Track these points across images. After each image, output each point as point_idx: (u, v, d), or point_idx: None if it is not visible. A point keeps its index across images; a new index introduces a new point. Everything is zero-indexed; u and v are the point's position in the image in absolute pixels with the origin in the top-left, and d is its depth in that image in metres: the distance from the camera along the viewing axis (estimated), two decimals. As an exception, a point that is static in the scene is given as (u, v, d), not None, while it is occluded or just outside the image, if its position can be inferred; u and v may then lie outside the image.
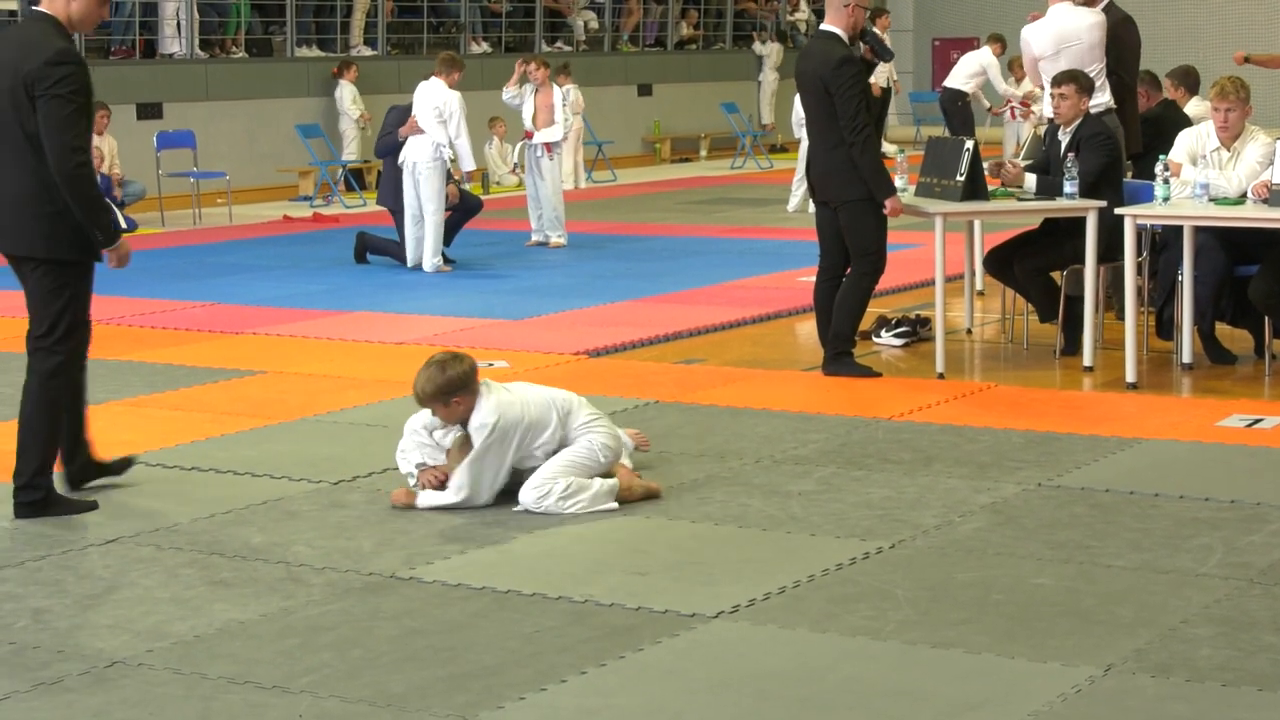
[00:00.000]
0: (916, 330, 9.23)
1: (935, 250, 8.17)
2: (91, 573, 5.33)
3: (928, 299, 9.47)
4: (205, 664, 4.49)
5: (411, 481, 5.95)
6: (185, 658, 4.53)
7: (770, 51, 24.83)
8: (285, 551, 5.49)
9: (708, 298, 10.93)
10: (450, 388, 5.78)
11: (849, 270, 8.20)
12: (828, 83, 7.94)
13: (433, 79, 12.60)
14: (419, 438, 5.97)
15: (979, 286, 10.00)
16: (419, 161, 12.46)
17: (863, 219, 8.08)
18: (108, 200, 5.72)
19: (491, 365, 8.61)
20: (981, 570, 5.16)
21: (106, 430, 7.39)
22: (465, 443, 5.88)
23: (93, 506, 5.86)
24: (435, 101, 12.44)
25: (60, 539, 5.71)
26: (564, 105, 13.81)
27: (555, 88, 14.00)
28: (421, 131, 12.39)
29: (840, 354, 8.20)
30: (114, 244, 5.69)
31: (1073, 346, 8.61)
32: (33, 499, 5.78)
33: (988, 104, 19.65)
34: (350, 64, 19.33)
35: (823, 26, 8.24)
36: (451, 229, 12.90)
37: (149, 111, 17.69)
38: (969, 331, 9.52)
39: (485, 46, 21.74)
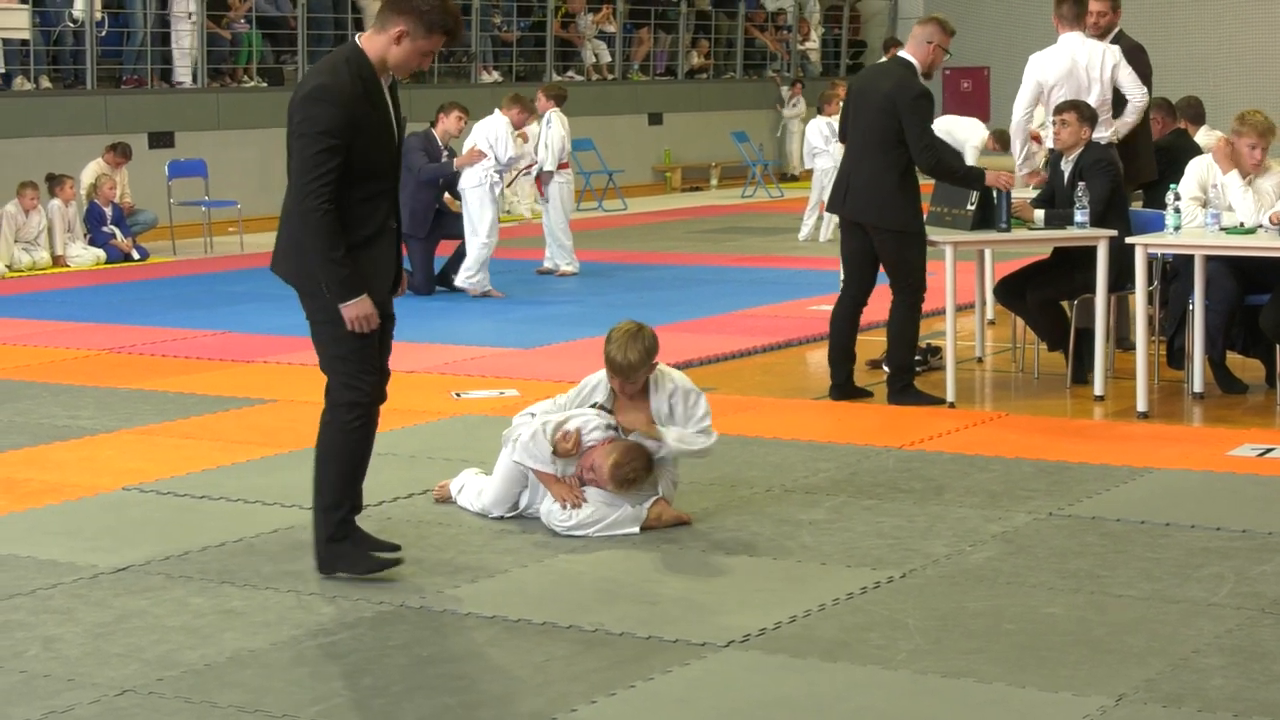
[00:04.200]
0: (927, 359, 9.17)
1: (946, 279, 8.15)
2: (102, 601, 5.32)
3: (939, 328, 9.47)
4: (216, 693, 4.47)
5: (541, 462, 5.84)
6: (196, 686, 4.52)
7: (798, 103, 24.67)
8: (296, 580, 5.47)
9: (718, 326, 10.90)
10: (655, 347, 5.81)
11: (891, 300, 8.14)
12: (902, 109, 7.89)
13: (496, 113, 12.96)
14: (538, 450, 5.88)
15: (990, 315, 9.98)
16: (467, 187, 12.68)
17: (907, 249, 8.04)
18: (334, 256, 5.23)
19: (502, 394, 8.59)
20: (992, 599, 5.13)
21: (118, 458, 7.43)
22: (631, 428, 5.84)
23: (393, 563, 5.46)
24: (486, 131, 12.77)
25: (71, 567, 5.70)
26: (547, 128, 13.77)
27: (547, 114, 14.02)
28: (480, 158, 12.54)
29: (905, 387, 8.17)
30: (347, 300, 5.21)
31: (1082, 375, 8.54)
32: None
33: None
34: (361, 93, 19.36)
35: (900, 53, 8.21)
36: (460, 257, 12.88)
37: (160, 140, 17.76)
38: (980, 360, 9.50)
39: (496, 76, 21.80)
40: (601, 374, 5.92)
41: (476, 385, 8.95)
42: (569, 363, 9.45)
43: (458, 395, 8.67)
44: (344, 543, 5.35)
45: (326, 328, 5.33)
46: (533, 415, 6.00)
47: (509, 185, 16.18)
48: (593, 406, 5.94)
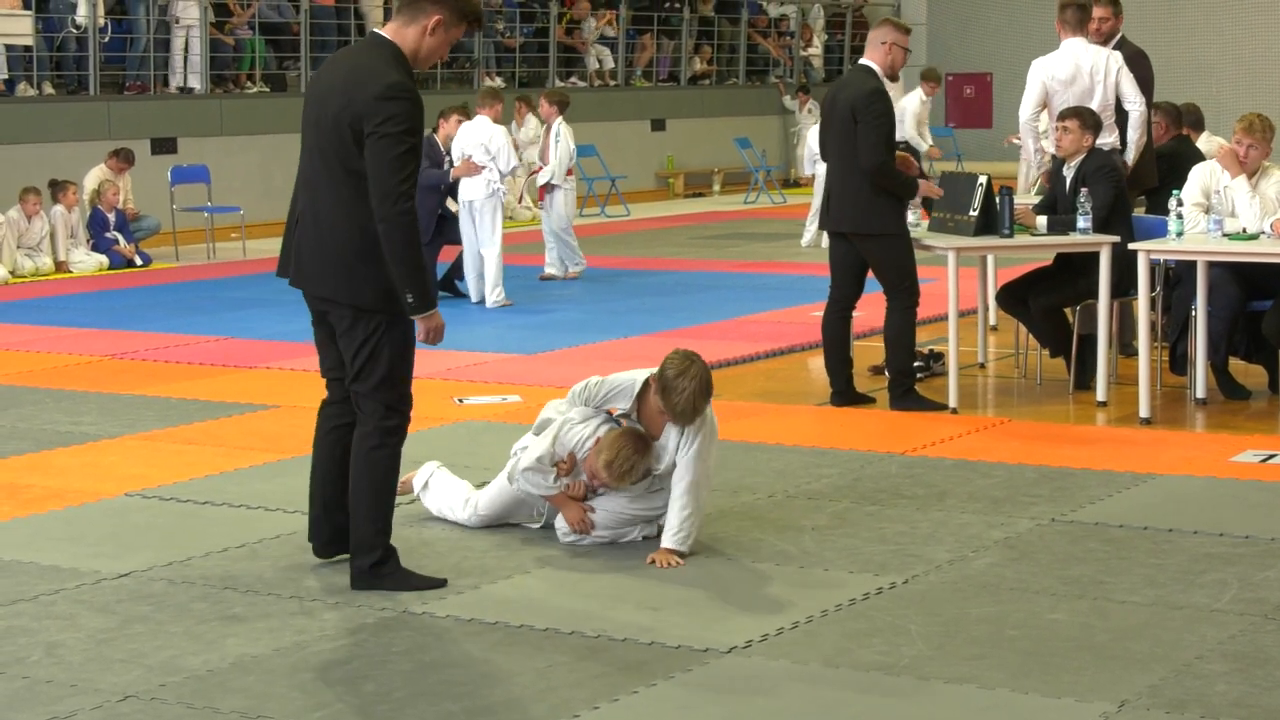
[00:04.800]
0: (929, 365, 9.12)
1: (948, 285, 8.13)
2: (105, 607, 5.29)
3: (941, 334, 9.38)
4: (218, 698, 4.45)
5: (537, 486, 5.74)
6: (198, 692, 4.49)
7: (805, 108, 24.59)
8: (298, 586, 5.44)
9: (720, 332, 10.81)
10: (711, 390, 5.60)
11: (886, 305, 8.13)
12: (857, 111, 7.94)
13: (477, 116, 12.66)
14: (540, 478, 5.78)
15: (992, 321, 9.93)
16: (474, 200, 12.49)
17: (891, 251, 8.04)
18: (423, 263, 5.06)
19: (505, 400, 8.55)
20: (995, 605, 5.10)
21: (120, 464, 7.40)
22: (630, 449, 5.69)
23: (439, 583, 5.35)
24: (481, 139, 12.49)
25: (74, 573, 5.69)
26: (556, 142, 13.75)
27: (554, 124, 14.01)
28: (477, 171, 12.35)
29: (907, 391, 8.13)
30: (426, 311, 5.05)
31: (1085, 381, 8.52)
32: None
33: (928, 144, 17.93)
34: (364, 99, 19.35)
35: (861, 61, 8.26)
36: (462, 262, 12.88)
37: (163, 146, 17.77)
38: (982, 366, 9.45)
39: (499, 81, 21.81)
40: (631, 383, 5.70)
41: (479, 391, 8.91)
42: (572, 369, 9.39)
43: (460, 401, 8.62)
44: (389, 563, 5.33)
45: (388, 348, 5.16)
46: (543, 426, 5.91)
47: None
48: (605, 411, 5.83)
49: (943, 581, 5.40)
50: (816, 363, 9.37)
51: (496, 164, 12.46)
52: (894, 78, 8.16)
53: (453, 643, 4.87)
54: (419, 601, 5.26)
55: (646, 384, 5.61)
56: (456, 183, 12.65)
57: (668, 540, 5.54)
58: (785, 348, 10.22)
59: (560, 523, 5.76)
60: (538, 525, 5.97)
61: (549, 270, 14.06)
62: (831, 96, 8.29)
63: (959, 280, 8.14)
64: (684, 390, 5.44)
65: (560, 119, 13.78)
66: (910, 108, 16.87)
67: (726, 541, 5.91)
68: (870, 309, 8.63)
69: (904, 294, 8.12)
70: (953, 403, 8.20)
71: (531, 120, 19.08)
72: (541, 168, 14.04)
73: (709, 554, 5.76)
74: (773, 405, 8.48)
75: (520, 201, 19.38)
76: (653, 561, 5.58)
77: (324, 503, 5.43)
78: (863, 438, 7.60)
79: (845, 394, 8.35)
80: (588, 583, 5.48)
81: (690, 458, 5.60)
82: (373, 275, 5.11)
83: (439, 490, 6.20)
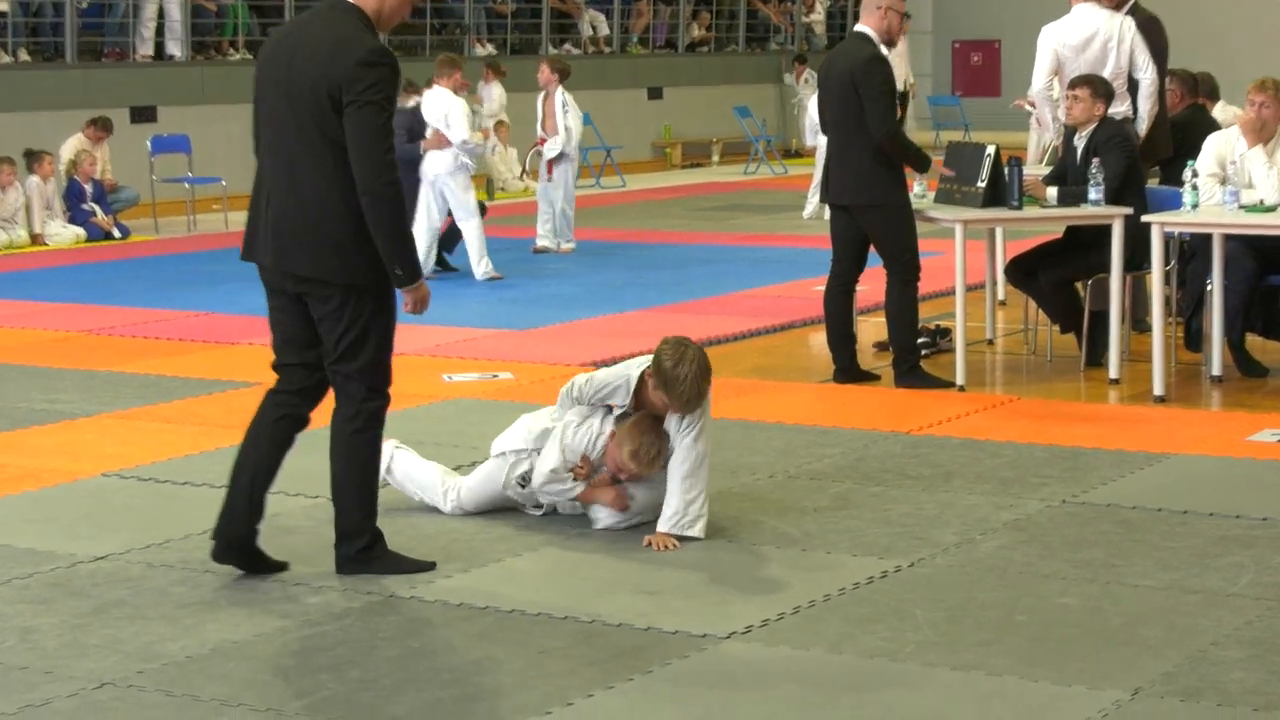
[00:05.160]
0: (936, 341, 9.07)
1: (955, 258, 8.03)
2: (81, 590, 5.19)
3: (948, 309, 9.33)
4: (198, 686, 4.36)
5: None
6: (177, 679, 4.41)
7: (802, 78, 24.31)
8: (280, 569, 5.37)
9: (719, 307, 10.73)
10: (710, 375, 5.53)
11: (886, 280, 8.03)
12: (858, 81, 7.83)
13: (435, 86, 12.40)
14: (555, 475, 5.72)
15: (1000, 296, 9.87)
16: (440, 173, 12.29)
17: (891, 222, 7.96)
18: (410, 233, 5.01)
19: (495, 377, 8.46)
20: (1004, 590, 5.04)
21: (97, 443, 7.30)
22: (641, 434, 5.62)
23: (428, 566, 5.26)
24: (441, 109, 12.24)
25: (49, 556, 5.57)
26: (564, 111, 13.56)
27: (558, 93, 13.80)
28: (447, 144, 12.16)
29: (911, 367, 8.06)
30: (415, 283, 4.97)
31: (1096, 358, 8.41)
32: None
33: None
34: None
35: (856, 28, 8.16)
36: (453, 237, 12.66)
37: (143, 115, 17.56)
38: (990, 342, 9.38)
39: (490, 48, 21.62)
40: (626, 379, 5.63)
41: (468, 368, 8.81)
42: (565, 345, 9.31)
43: (449, 378, 8.53)
44: (376, 547, 5.23)
45: (378, 329, 5.07)
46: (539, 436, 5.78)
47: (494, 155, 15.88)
48: (605, 405, 5.75)
49: (949, 565, 5.33)
50: (818, 339, 9.26)
51: (450, 135, 12.14)
52: (891, 44, 8.03)
53: (442, 628, 4.79)
54: (407, 586, 5.17)
55: (642, 378, 5.57)
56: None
57: (666, 524, 5.50)
58: (786, 323, 10.16)
59: (596, 511, 5.70)
60: (539, 513, 5.90)
61: (541, 243, 13.92)
62: (827, 66, 8.20)
63: (966, 253, 8.04)
64: (685, 378, 5.40)
65: (561, 87, 13.57)
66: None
67: (726, 524, 5.83)
68: (875, 284, 8.55)
69: (904, 267, 8.03)
70: (960, 380, 8.13)
71: (496, 89, 18.83)
72: (545, 139, 13.80)
73: (708, 537, 5.68)
74: (773, 382, 8.44)
75: (520, 176, 19.18)
76: (649, 544, 5.53)
77: (250, 500, 5.19)
78: (866, 416, 7.55)
79: (848, 371, 8.28)
80: (582, 567, 5.40)
81: (690, 440, 5.55)
82: (365, 252, 4.99)
83: (410, 472, 6.06)
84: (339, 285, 5.01)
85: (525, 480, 5.78)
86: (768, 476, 6.52)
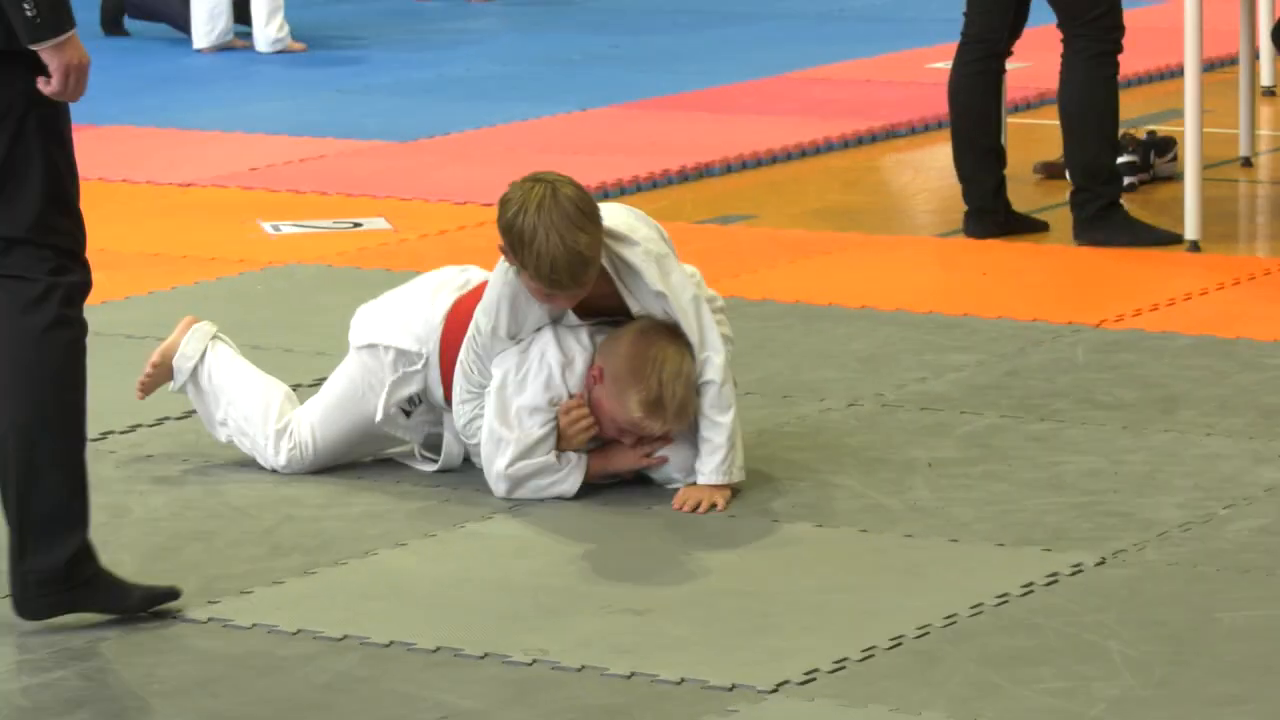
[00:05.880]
0: (1150, 161, 7.33)
1: (1185, 15, 6.50)
2: None
3: (1172, 105, 7.48)
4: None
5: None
6: None
7: None
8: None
9: (758, 100, 8.28)
10: (596, 214, 4.21)
11: (1064, 53, 6.53)
12: None
13: None
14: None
15: (1265, 80, 8.22)
16: None
17: None
18: None
19: (359, 225, 6.75)
20: (1265, 606, 3.86)
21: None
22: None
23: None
24: None
25: None
26: None
27: None
28: None
29: (1105, 208, 6.52)
30: (58, 35, 3.59)
31: None
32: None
33: None
34: None
35: None
36: None
37: None
38: (1247, 163, 7.59)
39: None
40: (494, 287, 4.36)
41: (307, 210, 6.82)
42: (480, 170, 7.32)
43: (275, 229, 6.77)
44: (91, 557, 3.72)
45: (57, 133, 3.64)
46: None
47: None
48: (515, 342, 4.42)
49: (1169, 562, 4.08)
50: (940, 156, 7.57)
51: None
52: None
53: (265, 674, 3.53)
54: (202, 597, 3.80)
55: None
56: None
57: (714, 473, 4.27)
58: (880, 129, 8.16)
59: (666, 471, 4.47)
60: (434, 468, 4.56)
61: None
62: None
63: (1204, 6, 6.54)
64: (531, 231, 4.14)
65: None
66: None
67: (773, 488, 4.47)
68: (1035, 58, 6.96)
69: (1100, 30, 6.37)
70: (1191, 232, 6.49)
71: None
72: None
73: (740, 511, 4.35)
74: (855, 235, 6.75)
75: None
76: (681, 506, 4.32)
77: None
78: (1023, 295, 5.97)
79: (991, 213, 6.63)
80: (515, 565, 4.07)
81: (693, 320, 4.30)
82: None
83: (227, 389, 4.55)
84: None
85: (414, 404, 4.47)
86: (846, 405, 5.07)
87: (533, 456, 4.35)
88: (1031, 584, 3.93)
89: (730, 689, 3.40)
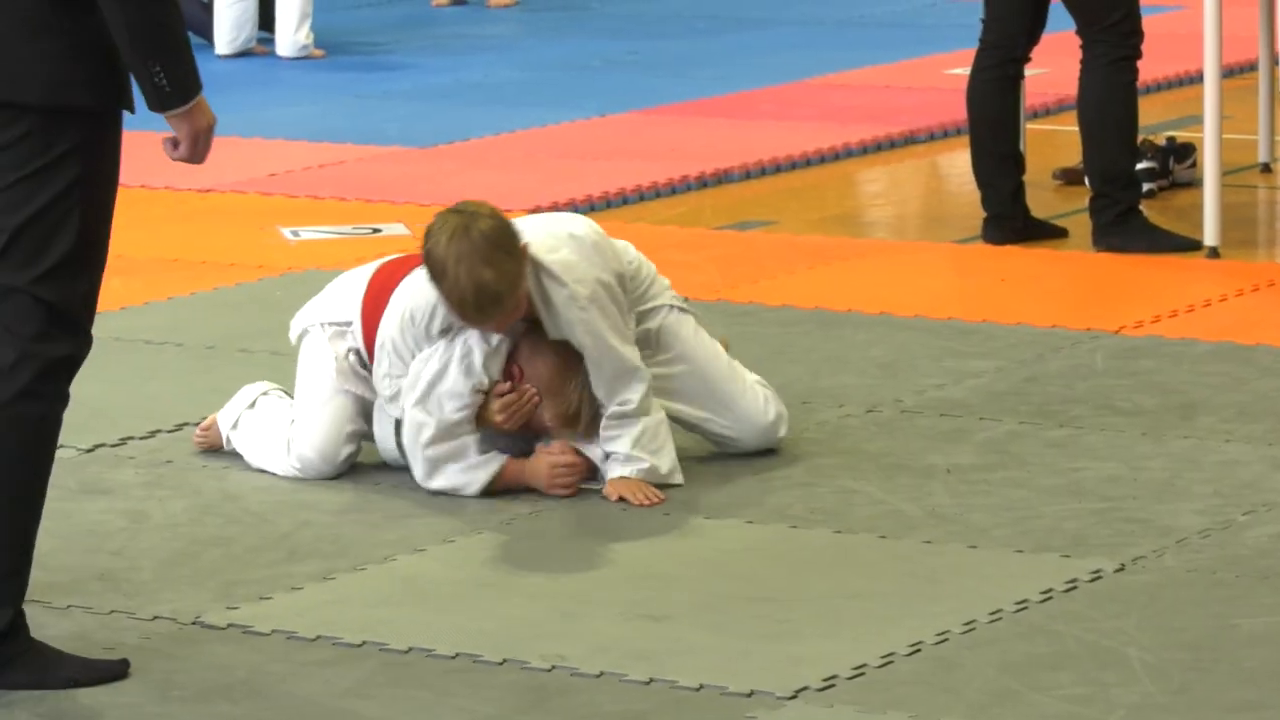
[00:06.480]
0: (1169, 167, 7.37)
1: (1204, 21, 6.49)
2: None
3: (1192, 111, 7.67)
4: None
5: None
6: None
7: None
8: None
9: (777, 106, 8.40)
10: (513, 239, 4.20)
11: (1083, 59, 6.57)
12: None
13: None
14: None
15: None
16: None
17: None
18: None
19: (379, 231, 6.83)
20: None
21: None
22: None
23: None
24: None
25: None
26: None
27: None
28: None
29: (1123, 214, 6.53)
30: (188, 102, 3.47)
31: None
32: None
33: None
34: None
35: None
36: None
37: None
38: (1266, 169, 7.67)
39: None
40: (418, 299, 4.41)
41: (328, 215, 6.94)
42: (502, 175, 7.44)
43: (294, 235, 6.81)
44: (22, 634, 3.47)
45: (100, 201, 3.48)
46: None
47: None
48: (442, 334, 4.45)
49: (1190, 569, 4.08)
50: (959, 162, 7.62)
51: None
52: None
53: (287, 681, 3.51)
54: (220, 603, 3.80)
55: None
56: None
57: (624, 464, 4.38)
58: (899, 135, 8.24)
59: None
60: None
61: None
62: None
63: (1224, 11, 6.51)
64: (442, 261, 4.15)
65: None
66: None
67: (791, 493, 4.49)
68: (1054, 63, 6.94)
69: (1118, 37, 6.40)
70: (1210, 238, 6.51)
71: None
72: None
73: (756, 517, 4.37)
74: (874, 242, 6.84)
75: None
76: (619, 498, 4.40)
77: None
78: (1042, 302, 6.01)
79: (1010, 220, 6.66)
80: (528, 570, 4.08)
81: (589, 340, 4.35)
82: (53, 51, 3.34)
83: (261, 431, 4.61)
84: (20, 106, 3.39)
85: (363, 363, 4.58)
86: (865, 411, 5.11)
87: (451, 439, 4.35)
88: (1050, 590, 3.95)
89: (749, 695, 3.43)
